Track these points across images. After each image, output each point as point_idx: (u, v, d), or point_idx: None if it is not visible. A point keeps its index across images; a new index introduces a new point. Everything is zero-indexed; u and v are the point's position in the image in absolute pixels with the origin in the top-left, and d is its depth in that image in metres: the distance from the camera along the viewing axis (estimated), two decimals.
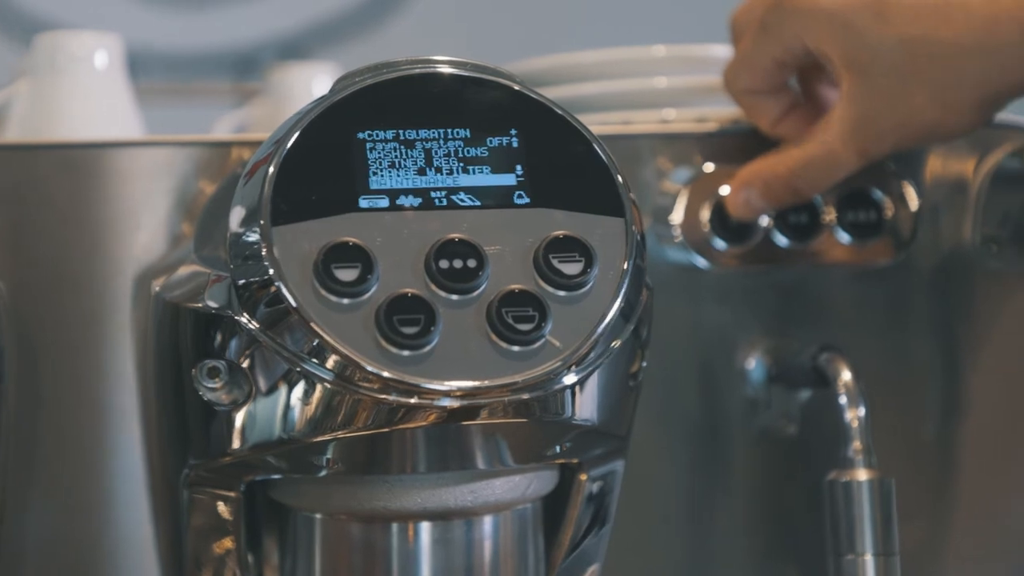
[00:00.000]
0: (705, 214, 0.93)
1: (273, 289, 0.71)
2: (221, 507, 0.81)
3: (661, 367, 0.95)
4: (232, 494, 0.81)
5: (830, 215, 0.94)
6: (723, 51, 1.04)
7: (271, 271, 0.71)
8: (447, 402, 0.71)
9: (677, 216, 0.93)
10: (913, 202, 0.95)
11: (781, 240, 0.94)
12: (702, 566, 0.99)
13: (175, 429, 0.81)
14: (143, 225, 0.91)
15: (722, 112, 1.00)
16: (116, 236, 0.91)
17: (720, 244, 0.93)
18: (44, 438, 0.90)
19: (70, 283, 0.90)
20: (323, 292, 0.70)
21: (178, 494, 0.81)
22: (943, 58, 0.85)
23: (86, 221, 0.90)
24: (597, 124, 0.96)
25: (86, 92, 1.08)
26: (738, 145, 0.95)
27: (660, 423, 0.96)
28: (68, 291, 0.90)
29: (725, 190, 0.93)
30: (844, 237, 0.94)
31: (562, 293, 0.72)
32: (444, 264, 0.71)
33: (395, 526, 0.80)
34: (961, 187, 0.98)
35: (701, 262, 0.94)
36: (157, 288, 0.82)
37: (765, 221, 0.94)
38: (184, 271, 0.80)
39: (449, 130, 0.75)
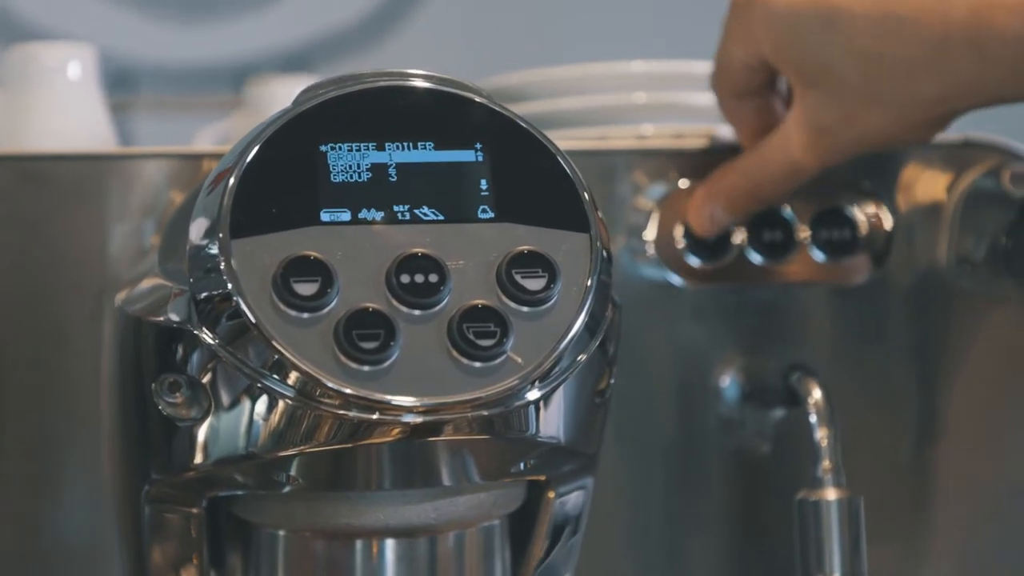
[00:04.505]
0: (679, 231, 0.93)
1: (232, 303, 0.70)
2: (183, 524, 0.80)
3: (635, 384, 0.94)
4: (194, 510, 0.80)
5: (804, 233, 0.93)
6: (703, 68, 1.03)
7: (229, 285, 0.70)
8: (409, 418, 0.70)
9: (650, 233, 0.93)
10: (887, 220, 0.95)
11: (755, 258, 0.93)
12: None
13: (136, 444, 0.80)
14: (112, 238, 0.90)
15: (700, 129, 0.99)
16: (83, 249, 0.90)
17: (694, 261, 0.93)
18: (8, 451, 0.90)
19: (35, 297, 0.90)
20: (282, 306, 0.69)
21: (139, 510, 0.80)
22: (896, 77, 0.83)
23: (52, 234, 0.90)
24: (574, 139, 0.96)
25: (59, 103, 1.08)
26: (715, 162, 0.94)
27: (633, 441, 0.96)
28: (32, 305, 0.90)
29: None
30: (818, 255, 0.94)
31: (525, 309, 0.71)
32: (405, 279, 0.71)
33: (359, 543, 0.79)
34: (936, 206, 0.97)
35: (675, 279, 0.94)
36: (120, 301, 0.81)
37: (739, 238, 0.93)
38: (146, 284, 0.79)
39: (413, 143, 0.74)
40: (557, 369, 0.72)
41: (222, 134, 1.26)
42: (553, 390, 0.73)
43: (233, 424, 0.73)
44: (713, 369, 0.96)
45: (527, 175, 0.75)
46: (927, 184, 0.97)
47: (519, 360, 0.70)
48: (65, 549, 0.92)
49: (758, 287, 0.95)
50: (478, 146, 0.75)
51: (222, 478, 0.77)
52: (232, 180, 0.72)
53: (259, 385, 0.71)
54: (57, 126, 1.07)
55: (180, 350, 0.74)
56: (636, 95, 1.02)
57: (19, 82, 1.09)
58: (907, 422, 0.98)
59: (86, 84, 1.10)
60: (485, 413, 0.71)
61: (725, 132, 0.95)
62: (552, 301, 0.71)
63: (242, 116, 1.24)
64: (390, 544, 0.79)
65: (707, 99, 1.02)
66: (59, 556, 0.92)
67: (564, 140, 0.94)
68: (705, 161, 0.95)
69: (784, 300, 0.96)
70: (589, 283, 0.72)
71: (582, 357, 0.73)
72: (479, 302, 0.71)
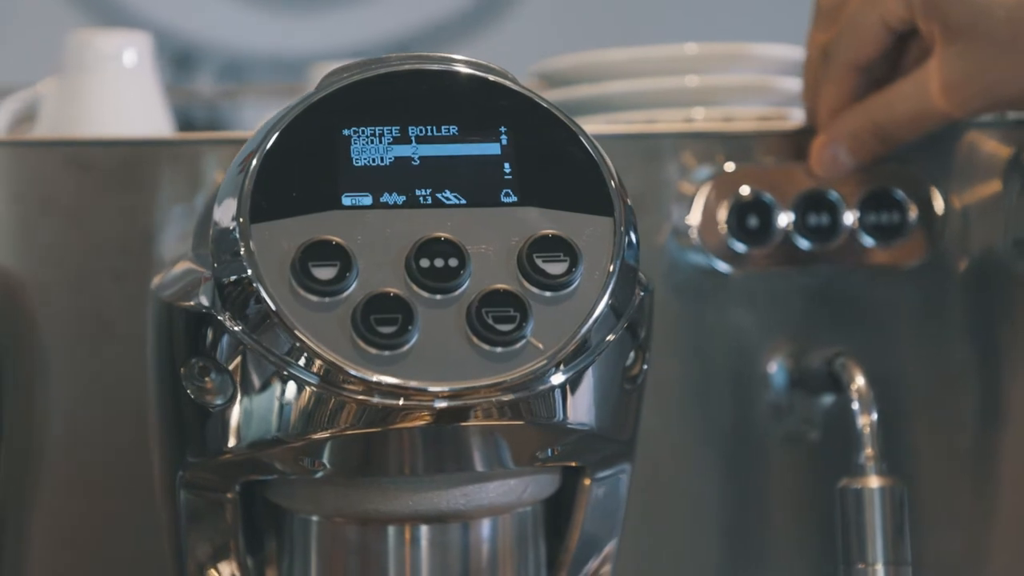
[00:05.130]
0: (723, 215, 0.92)
1: (253, 289, 0.70)
2: (218, 508, 0.80)
3: (684, 371, 0.93)
4: (228, 495, 0.80)
5: (852, 216, 0.92)
6: (759, 49, 1.02)
7: (249, 270, 0.70)
8: (435, 403, 0.69)
9: (694, 217, 0.92)
10: (939, 203, 0.94)
11: (802, 242, 0.92)
12: (731, 570, 0.97)
13: (172, 428, 0.80)
14: (158, 222, 0.91)
15: (750, 111, 0.98)
16: (129, 232, 0.91)
17: (739, 246, 0.91)
18: (60, 438, 0.91)
19: (83, 281, 0.91)
20: (301, 291, 0.69)
21: (176, 495, 0.81)
22: None
23: (102, 220, 0.91)
24: (622, 123, 0.95)
25: (114, 90, 1.08)
26: (763, 145, 0.94)
27: (684, 427, 0.95)
28: (79, 289, 0.91)
29: (745, 189, 0.92)
30: (866, 239, 0.93)
31: (547, 294, 0.70)
32: (425, 263, 0.70)
33: (390, 529, 0.79)
34: (992, 187, 0.95)
35: (721, 265, 0.92)
36: (154, 286, 0.81)
37: (784, 222, 0.92)
38: (179, 268, 0.79)
39: (435, 127, 0.74)
40: (580, 351, 0.71)
41: None
42: (578, 374, 0.72)
43: (263, 409, 0.73)
44: (761, 356, 0.94)
45: (551, 159, 0.74)
46: (982, 164, 0.95)
47: (540, 345, 0.70)
48: (113, 536, 0.92)
49: (806, 272, 0.94)
50: (502, 129, 0.74)
51: (254, 462, 0.77)
52: (254, 163, 0.72)
53: (284, 372, 0.71)
54: (112, 112, 1.08)
55: (209, 335, 0.74)
56: (688, 78, 1.00)
57: (75, 69, 1.10)
58: (964, 409, 0.97)
59: (142, 71, 1.10)
60: (509, 397, 0.70)
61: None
62: (574, 285, 0.71)
63: None
64: (422, 530, 0.79)
65: (760, 81, 1.01)
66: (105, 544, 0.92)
67: (612, 124, 0.94)
68: (753, 144, 0.94)
69: (832, 285, 0.95)
70: (612, 267, 0.71)
71: (609, 339, 0.73)
72: (499, 286, 0.70)
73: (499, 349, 0.70)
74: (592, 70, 1.03)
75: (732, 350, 0.95)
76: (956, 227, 0.95)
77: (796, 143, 0.94)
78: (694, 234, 0.92)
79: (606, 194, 0.73)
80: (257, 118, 1.12)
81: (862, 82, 0.91)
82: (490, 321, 0.69)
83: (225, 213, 0.72)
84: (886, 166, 0.93)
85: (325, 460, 0.75)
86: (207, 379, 0.75)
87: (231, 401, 0.74)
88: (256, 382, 0.73)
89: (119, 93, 1.08)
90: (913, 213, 0.93)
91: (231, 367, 0.74)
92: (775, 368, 0.94)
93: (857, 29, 0.90)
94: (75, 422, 0.91)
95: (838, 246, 0.92)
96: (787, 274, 0.94)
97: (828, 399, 0.94)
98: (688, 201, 0.92)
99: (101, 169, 0.91)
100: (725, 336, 0.95)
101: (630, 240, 0.73)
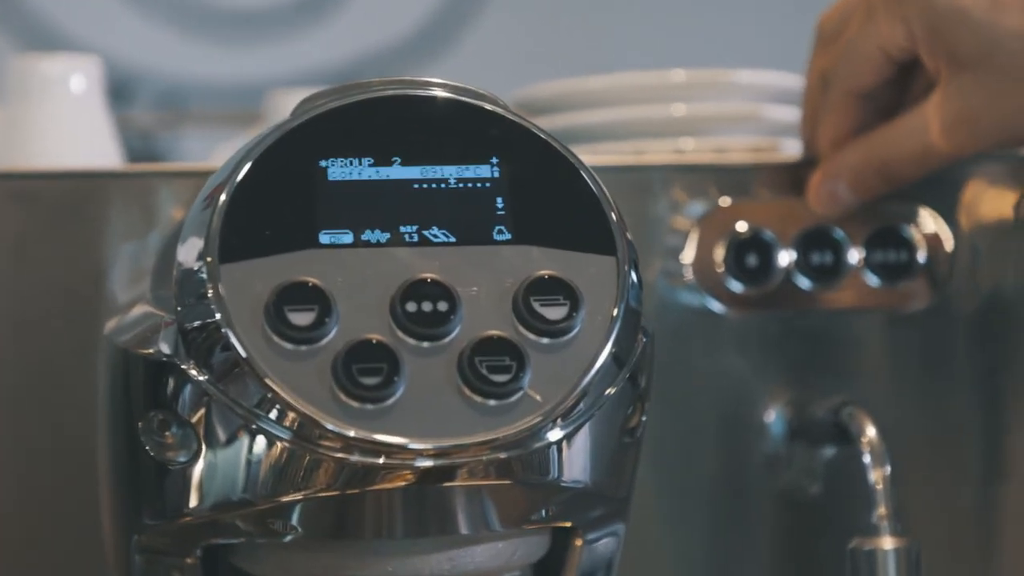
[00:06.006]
0: (720, 253, 0.87)
1: (221, 335, 0.64)
2: (177, 575, 0.74)
3: (672, 420, 0.89)
4: (188, 560, 0.74)
5: (857, 255, 0.88)
6: (748, 76, 0.98)
7: (218, 314, 0.64)
8: (419, 462, 0.64)
9: (688, 255, 0.87)
10: (948, 241, 0.89)
11: (803, 282, 0.88)
12: None
13: (127, 487, 0.75)
14: (108, 261, 0.85)
15: (744, 142, 0.94)
16: (80, 272, 0.86)
17: (736, 286, 0.87)
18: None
19: (25, 324, 0.85)
20: (275, 338, 0.64)
21: (130, 559, 0.75)
22: None
23: (43, 256, 0.85)
24: (607, 155, 0.90)
25: (61, 118, 1.03)
26: (760, 178, 0.89)
27: (670, 482, 0.90)
28: (21, 333, 0.85)
29: (742, 226, 0.87)
30: (873, 279, 0.88)
31: (544, 340, 0.65)
32: (412, 307, 0.65)
33: None
34: (1002, 225, 0.91)
35: (716, 306, 0.88)
36: (108, 330, 0.76)
37: (785, 261, 0.87)
38: (137, 312, 0.74)
39: (423, 158, 0.68)
40: (581, 406, 0.66)
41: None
42: (577, 429, 0.67)
43: (228, 468, 0.68)
44: (757, 403, 0.90)
45: (548, 192, 0.69)
46: (992, 202, 0.91)
47: (538, 397, 0.65)
48: None
49: (806, 314, 0.89)
50: (494, 161, 0.69)
51: (218, 525, 0.71)
52: (223, 198, 0.66)
53: (253, 426, 0.65)
54: (57, 142, 1.02)
55: (170, 385, 0.69)
56: (676, 106, 0.96)
57: (20, 95, 1.05)
58: (970, 462, 0.92)
59: (90, 97, 1.05)
60: (502, 455, 0.65)
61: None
62: (574, 331, 0.66)
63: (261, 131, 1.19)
64: None
65: (750, 110, 0.96)
66: None
67: (597, 155, 0.89)
68: (749, 177, 0.89)
69: (835, 328, 0.90)
70: (616, 311, 0.67)
71: (609, 392, 0.68)
72: (493, 333, 0.65)
73: (492, 402, 0.64)
74: (573, 98, 0.98)
75: (725, 397, 0.90)
76: (965, 267, 0.90)
77: (794, 176, 0.89)
78: (689, 273, 0.87)
79: (607, 230, 0.68)
80: (199, 148, 1.08)
81: (865, 110, 0.87)
82: (484, 371, 0.64)
83: (190, 252, 0.67)
84: (892, 202, 0.89)
85: (295, 523, 0.70)
86: (167, 434, 0.69)
87: (195, 458, 0.69)
88: (221, 437, 0.68)
89: (66, 121, 1.03)
90: (922, 251, 0.89)
91: (194, 420, 0.68)
92: (772, 417, 0.89)
93: (855, 56, 0.87)
94: (18, 479, 0.86)
95: (841, 286, 0.88)
96: (786, 316, 0.89)
97: (829, 451, 0.89)
98: (680, 237, 0.87)
99: (47, 203, 0.86)
100: (718, 382, 0.90)
101: (633, 281, 0.68)
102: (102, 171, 0.93)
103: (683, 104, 0.96)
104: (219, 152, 1.23)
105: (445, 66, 2.69)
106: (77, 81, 1.05)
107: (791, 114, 0.96)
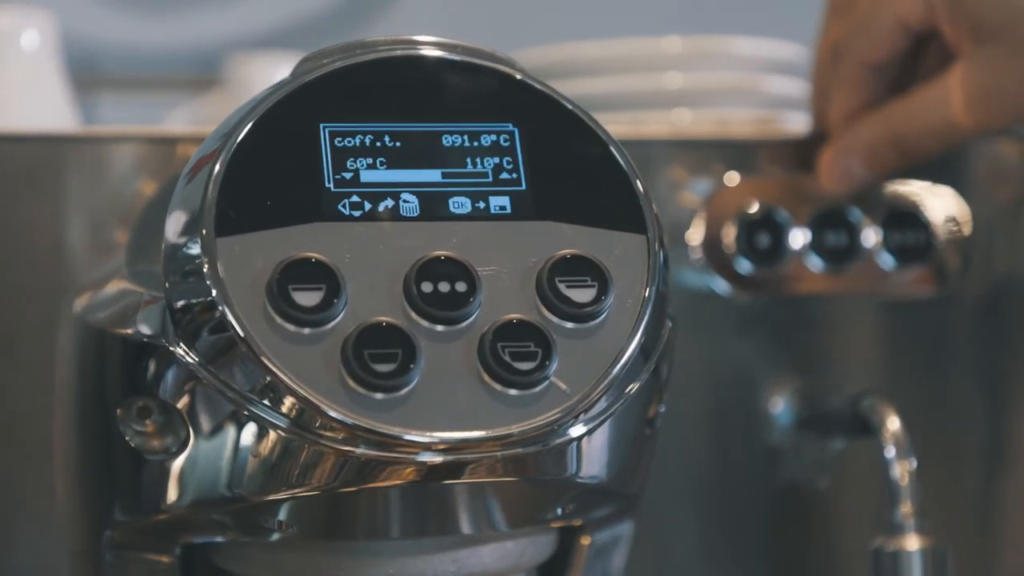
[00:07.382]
0: (731, 232, 0.83)
1: (216, 314, 0.59)
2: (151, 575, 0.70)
3: (673, 409, 0.83)
4: (165, 559, 0.69)
5: (873, 236, 0.84)
6: (745, 45, 0.95)
7: (214, 292, 0.59)
8: (427, 457, 0.59)
9: (696, 234, 0.83)
10: (967, 225, 0.86)
11: (816, 263, 0.84)
12: None
13: (98, 479, 0.70)
14: (69, 232, 0.80)
15: (745, 114, 0.90)
16: (35, 245, 0.80)
17: (746, 267, 0.83)
18: None
19: None
20: (278, 319, 0.59)
21: (99, 558, 0.70)
22: None
23: (3, 228, 0.80)
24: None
25: (11, 77, 0.97)
26: (767, 154, 0.85)
27: (670, 475, 0.86)
28: None
29: (754, 205, 0.84)
30: (888, 261, 0.85)
31: (570, 325, 0.60)
32: (427, 287, 0.60)
33: None
34: (1018, 208, 0.89)
35: (723, 287, 0.84)
36: (80, 308, 0.70)
37: (799, 241, 0.83)
38: (112, 289, 0.68)
39: (435, 124, 0.64)
40: (606, 399, 0.61)
41: (197, 116, 1.15)
42: (600, 424, 0.62)
43: (213, 459, 0.63)
44: (763, 392, 0.86)
45: (572, 164, 0.64)
46: (1008, 183, 0.89)
47: (564, 387, 0.60)
48: None
49: (815, 298, 0.86)
50: (513, 128, 0.64)
51: (199, 522, 0.67)
52: (218, 166, 0.61)
53: (246, 412, 0.60)
54: (8, 103, 0.96)
55: (151, 368, 0.64)
56: (670, 76, 0.92)
57: None
58: (980, 453, 0.90)
59: (44, 56, 0.99)
60: (521, 451, 0.60)
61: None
62: (603, 316, 0.61)
63: (220, 97, 1.13)
64: None
65: (749, 81, 0.93)
66: None
67: None
68: (754, 152, 0.86)
69: (847, 313, 0.87)
70: (647, 294, 0.62)
71: (634, 386, 0.63)
72: (516, 316, 0.60)
73: (513, 392, 0.59)
74: (557, 67, 0.94)
75: (728, 384, 0.87)
76: (981, 251, 0.88)
77: (803, 152, 0.86)
78: (697, 254, 0.82)
79: (636, 206, 0.64)
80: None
81: (878, 85, 0.84)
82: (507, 358, 0.59)
83: (180, 224, 0.62)
84: (909, 182, 0.86)
85: (288, 520, 0.65)
86: (147, 421, 0.64)
87: (181, 447, 0.64)
88: (208, 426, 0.63)
89: (17, 81, 0.97)
90: (939, 235, 0.86)
91: (180, 406, 0.63)
92: (780, 407, 0.85)
93: (870, 27, 0.83)
94: None
95: (855, 269, 0.84)
96: (796, 299, 0.86)
97: (840, 443, 0.86)
98: (686, 216, 0.83)
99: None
100: (724, 369, 0.87)
101: (664, 262, 0.63)
102: (58, 134, 0.87)
103: (678, 73, 0.92)
104: (172, 118, 1.18)
105: (372, 32, 2.65)
106: (29, 37, 0.99)
107: (791, 86, 0.93)
